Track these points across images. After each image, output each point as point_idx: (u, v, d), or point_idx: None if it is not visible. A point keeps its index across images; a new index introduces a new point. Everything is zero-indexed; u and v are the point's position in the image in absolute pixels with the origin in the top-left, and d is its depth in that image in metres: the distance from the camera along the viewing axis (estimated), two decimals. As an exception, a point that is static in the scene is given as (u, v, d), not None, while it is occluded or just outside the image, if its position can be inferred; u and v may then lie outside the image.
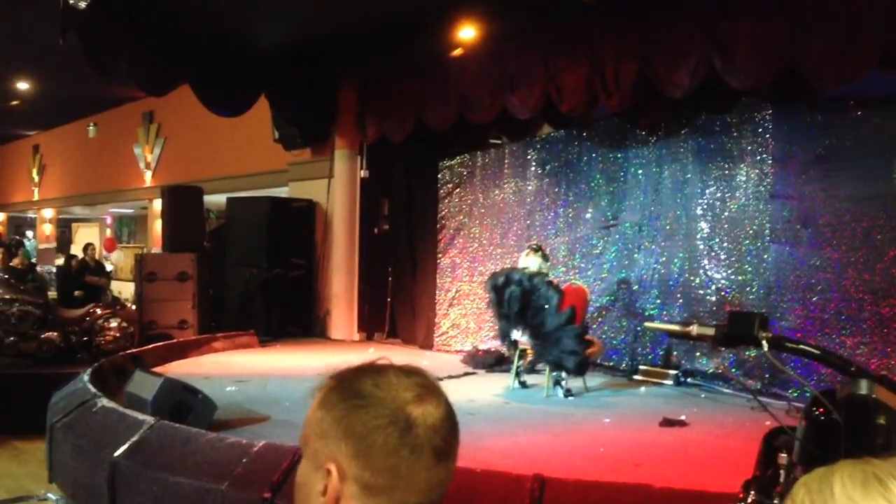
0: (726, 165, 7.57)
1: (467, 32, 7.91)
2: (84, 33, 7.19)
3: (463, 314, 9.76)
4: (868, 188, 6.66)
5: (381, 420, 1.04)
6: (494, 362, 8.37)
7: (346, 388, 1.09)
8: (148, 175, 16.88)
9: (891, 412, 1.67)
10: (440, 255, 10.09)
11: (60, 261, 17.17)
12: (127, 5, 7.47)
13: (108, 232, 21.94)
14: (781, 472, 1.99)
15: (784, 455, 1.98)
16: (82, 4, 5.69)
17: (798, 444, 1.84)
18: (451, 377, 7.69)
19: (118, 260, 17.54)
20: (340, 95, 10.50)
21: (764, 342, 1.86)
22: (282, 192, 11.79)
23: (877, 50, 5.67)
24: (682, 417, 6.09)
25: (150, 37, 8.08)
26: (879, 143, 6.61)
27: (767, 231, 7.22)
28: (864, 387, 1.69)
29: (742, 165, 7.45)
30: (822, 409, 1.86)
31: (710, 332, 2.00)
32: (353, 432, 1.05)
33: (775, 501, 1.89)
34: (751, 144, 7.39)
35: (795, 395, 6.32)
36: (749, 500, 2.02)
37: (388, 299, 10.69)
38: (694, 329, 2.07)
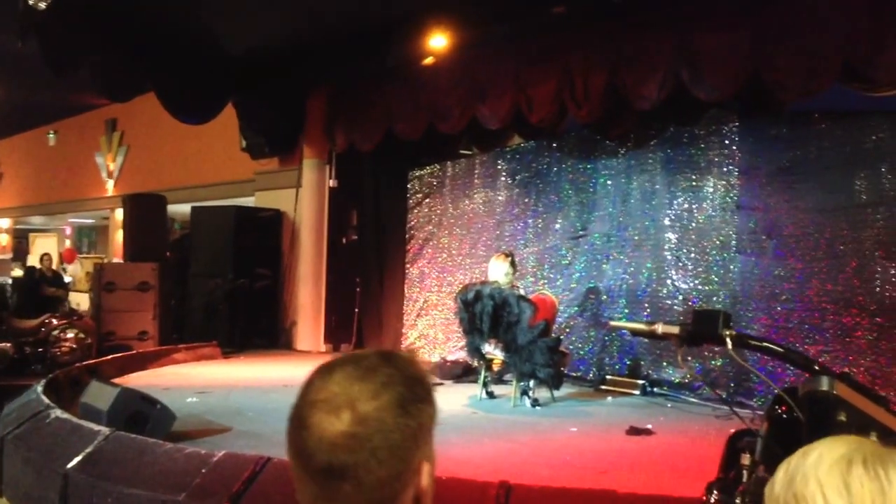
0: (694, 177, 7.62)
1: (438, 41, 7.88)
2: (44, 36, 7.04)
3: (431, 325, 9.69)
4: (831, 200, 6.76)
5: (292, 413, 1.03)
6: (462, 373, 8.32)
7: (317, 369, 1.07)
8: (110, 184, 16.61)
9: (852, 408, 1.65)
10: (408, 266, 10.02)
11: (16, 272, 16.79)
12: (89, 8, 7.32)
13: (68, 242, 21.56)
14: (744, 472, 1.98)
15: (747, 455, 1.96)
16: (42, 5, 5.55)
17: (760, 443, 1.81)
18: (417, 388, 7.60)
19: (75, 271, 17.22)
20: (309, 104, 10.41)
21: (728, 339, 1.85)
22: (248, 201, 11.65)
23: (838, 64, 5.75)
24: (649, 426, 6.09)
25: (113, 41, 7.92)
26: (842, 155, 6.71)
27: (734, 241, 7.28)
28: (825, 383, 1.68)
29: (709, 177, 7.51)
30: (784, 408, 1.84)
31: (675, 330, 1.99)
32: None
33: (737, 500, 1.87)
34: (718, 156, 7.45)
35: (760, 403, 6.34)
36: (712, 500, 1.99)
37: (356, 310, 10.58)
38: (659, 328, 2.06)
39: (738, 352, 1.90)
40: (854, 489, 0.87)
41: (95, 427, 4.81)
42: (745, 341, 1.89)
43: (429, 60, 8.11)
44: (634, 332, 2.26)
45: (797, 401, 1.73)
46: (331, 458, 0.97)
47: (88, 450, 4.56)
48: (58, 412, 5.22)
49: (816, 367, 1.74)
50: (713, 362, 7.22)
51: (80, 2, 6.99)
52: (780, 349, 1.90)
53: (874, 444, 0.94)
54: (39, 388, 5.93)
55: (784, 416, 1.80)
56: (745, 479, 1.96)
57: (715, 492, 2.05)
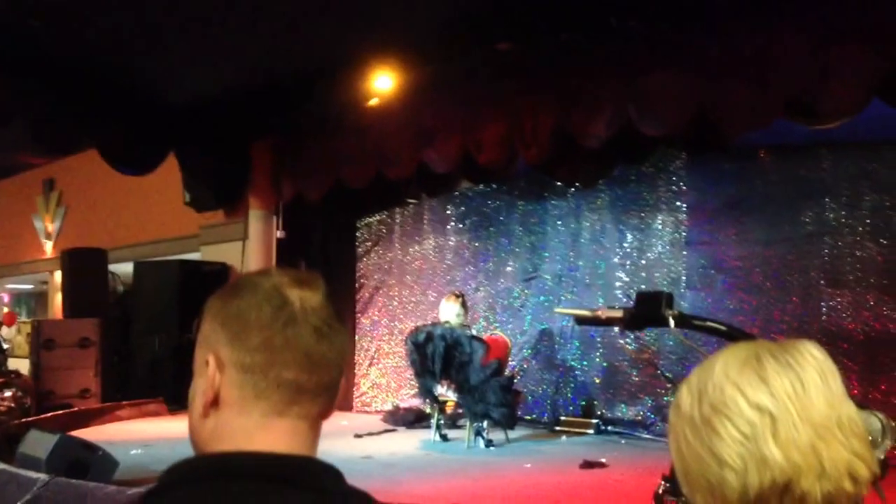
0: (643, 214, 7.74)
1: (383, 83, 7.91)
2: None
3: (383, 373, 9.53)
4: (777, 232, 6.92)
5: (255, 299, 1.02)
6: (415, 419, 8.17)
7: (224, 288, 1.08)
8: (48, 245, 16.11)
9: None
10: (359, 315, 9.89)
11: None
12: (24, 57, 7.15)
13: (5, 310, 20.78)
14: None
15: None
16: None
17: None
18: (371, 434, 7.45)
19: (10, 336, 16.50)
20: (254, 153, 10.29)
21: (671, 320, 1.85)
22: (194, 257, 11.40)
23: (781, 99, 5.91)
24: (603, 460, 6.10)
25: (49, 90, 7.70)
26: (787, 188, 6.91)
27: (684, 278, 7.37)
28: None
29: (658, 214, 7.64)
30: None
31: (618, 314, 2.00)
32: (228, 317, 1.02)
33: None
34: (666, 193, 7.60)
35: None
36: (660, 491, 1.99)
37: (306, 363, 10.34)
38: (602, 313, 2.06)
39: (682, 331, 1.91)
40: (772, 380, 0.88)
41: (34, 475, 4.58)
42: (687, 321, 1.91)
43: (374, 102, 8.13)
44: (579, 320, 2.27)
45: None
46: (322, 322, 1.05)
47: (27, 497, 4.33)
48: (-8, 464, 4.96)
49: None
50: (665, 398, 7.22)
51: (13, 51, 6.84)
52: (723, 328, 1.92)
53: (770, 341, 0.95)
54: (-26, 445, 5.65)
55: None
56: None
57: (663, 483, 2.04)
